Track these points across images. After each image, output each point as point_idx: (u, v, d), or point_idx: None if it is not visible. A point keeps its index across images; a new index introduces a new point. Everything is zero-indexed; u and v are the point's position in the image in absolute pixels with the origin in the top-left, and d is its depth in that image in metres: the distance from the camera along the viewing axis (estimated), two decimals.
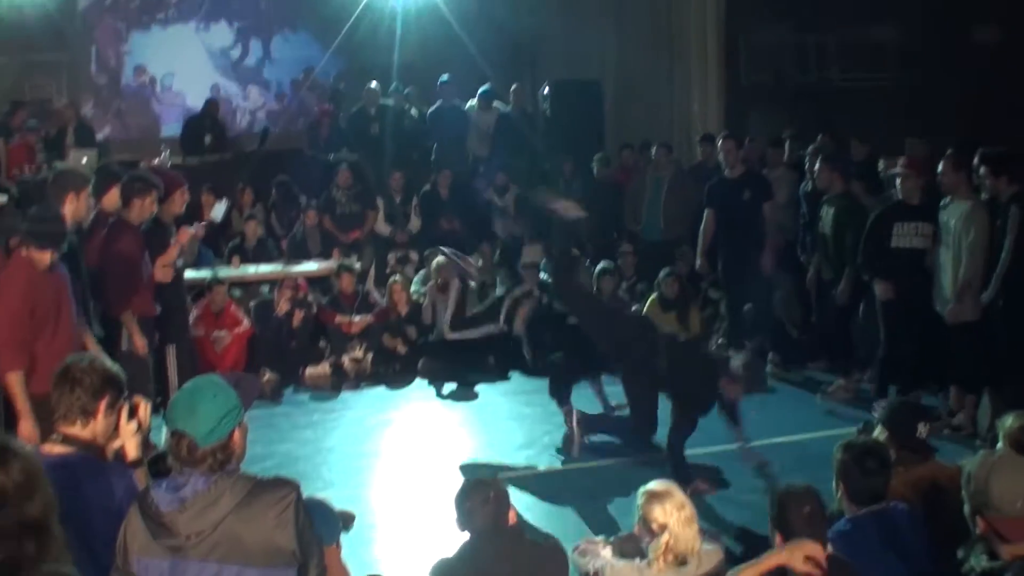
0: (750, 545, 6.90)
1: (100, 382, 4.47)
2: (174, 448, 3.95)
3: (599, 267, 12.85)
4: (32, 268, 6.84)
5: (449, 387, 11.92)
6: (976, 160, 9.32)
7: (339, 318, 12.78)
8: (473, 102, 16.58)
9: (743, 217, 11.89)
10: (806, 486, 4.78)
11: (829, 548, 4.75)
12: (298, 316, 12.43)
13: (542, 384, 10.54)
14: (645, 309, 12.64)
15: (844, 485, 5.23)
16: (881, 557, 5.00)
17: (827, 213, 10.97)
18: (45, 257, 6.88)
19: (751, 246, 11.94)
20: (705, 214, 12.32)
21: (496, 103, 16.57)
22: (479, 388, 11.85)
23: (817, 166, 11.20)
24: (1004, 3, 16.29)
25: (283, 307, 12.42)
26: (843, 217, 10.77)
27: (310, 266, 13.94)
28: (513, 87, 16.79)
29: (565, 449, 9.51)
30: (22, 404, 6.56)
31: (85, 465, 4.37)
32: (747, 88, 18.02)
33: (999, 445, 5.52)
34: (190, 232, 9.69)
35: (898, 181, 10.14)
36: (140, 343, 8.41)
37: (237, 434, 4.05)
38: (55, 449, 4.42)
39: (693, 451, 8.81)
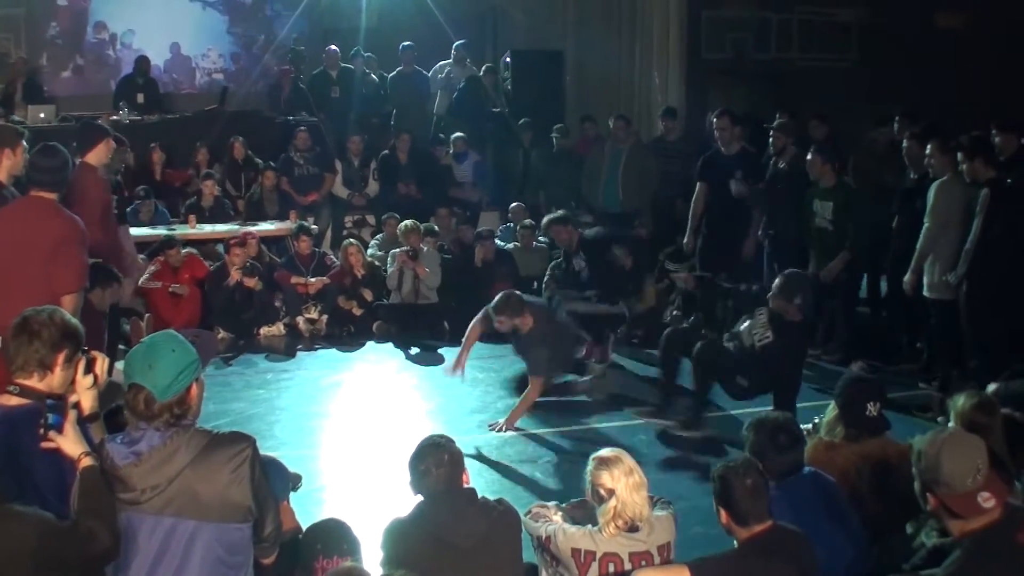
0: (702, 513, 6.96)
1: (59, 335, 4.43)
2: (131, 402, 3.96)
3: (555, 215, 11.97)
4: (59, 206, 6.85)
5: (413, 350, 11.94)
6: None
7: (295, 279, 12.71)
8: (445, 62, 16.51)
9: (733, 196, 11.66)
10: (747, 458, 4.81)
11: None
12: (249, 283, 12.35)
13: (496, 350, 10.69)
14: None
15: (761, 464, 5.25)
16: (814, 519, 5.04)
17: (823, 208, 10.71)
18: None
19: (736, 225, 11.73)
20: (697, 188, 12.01)
21: (468, 62, 16.57)
22: (434, 353, 11.82)
23: (809, 157, 10.83)
24: None
25: (234, 276, 12.33)
26: (842, 211, 10.57)
27: (267, 226, 13.90)
28: (484, 67, 16.71)
29: None
30: None
31: (40, 417, 4.35)
32: (708, 63, 18.04)
33: (950, 423, 5.60)
34: None
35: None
36: None
37: (195, 389, 4.07)
38: (11, 401, 4.39)
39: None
